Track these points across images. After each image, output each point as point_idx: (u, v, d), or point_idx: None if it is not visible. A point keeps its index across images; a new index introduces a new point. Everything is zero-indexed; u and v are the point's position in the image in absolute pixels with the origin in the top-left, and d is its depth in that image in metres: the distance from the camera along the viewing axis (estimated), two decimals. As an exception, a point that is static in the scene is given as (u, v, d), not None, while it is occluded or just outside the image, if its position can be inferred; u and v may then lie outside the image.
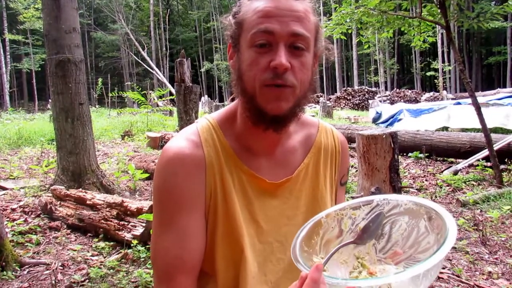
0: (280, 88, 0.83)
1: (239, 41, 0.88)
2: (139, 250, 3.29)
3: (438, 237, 0.72)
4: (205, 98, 22.68)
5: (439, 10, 5.48)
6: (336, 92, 33.84)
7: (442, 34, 27.32)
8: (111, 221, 3.69)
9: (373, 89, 26.98)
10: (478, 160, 6.11)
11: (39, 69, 35.48)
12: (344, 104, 24.55)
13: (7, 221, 3.99)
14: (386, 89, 34.90)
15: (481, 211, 4.31)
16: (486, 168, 5.95)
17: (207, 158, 0.91)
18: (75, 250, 3.48)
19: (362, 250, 0.82)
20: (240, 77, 0.88)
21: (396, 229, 0.81)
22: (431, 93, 22.44)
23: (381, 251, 0.82)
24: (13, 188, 5.34)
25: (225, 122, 0.97)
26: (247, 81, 0.86)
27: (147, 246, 3.34)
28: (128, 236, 3.46)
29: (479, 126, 5.52)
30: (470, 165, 6.18)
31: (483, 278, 2.90)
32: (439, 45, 31.13)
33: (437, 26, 6.71)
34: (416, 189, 5.38)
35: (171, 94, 14.41)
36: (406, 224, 0.80)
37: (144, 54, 27.82)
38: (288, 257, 0.96)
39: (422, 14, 5.84)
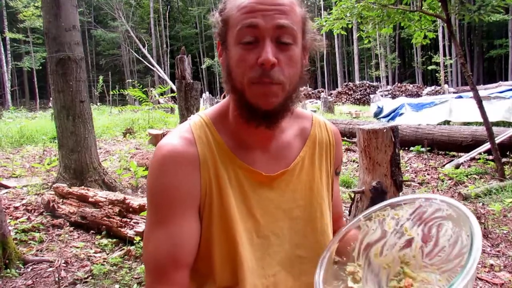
0: (268, 85, 0.82)
1: (226, 38, 0.88)
2: (142, 247, 3.30)
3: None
4: (206, 94, 22.65)
5: (439, 4, 5.46)
6: (337, 87, 33.79)
7: (443, 27, 27.21)
8: (113, 218, 3.70)
9: (375, 83, 26.94)
10: (480, 153, 6.10)
11: (40, 67, 35.48)
12: (345, 99, 24.53)
13: (10, 219, 4.00)
14: (387, 83, 34.84)
15: (483, 204, 4.31)
16: (488, 162, 5.94)
17: (200, 155, 0.91)
18: (78, 248, 3.49)
19: (408, 253, 0.78)
20: (229, 74, 0.88)
21: (442, 233, 0.77)
22: (433, 87, 22.39)
23: (427, 256, 0.77)
24: (15, 187, 5.36)
25: (218, 118, 0.97)
26: (235, 78, 0.86)
27: (150, 242, 3.35)
28: (130, 233, 3.47)
29: (481, 119, 5.51)
30: (472, 159, 6.18)
31: (485, 271, 2.90)
32: (440, 38, 31.01)
33: (438, 20, 6.68)
34: (418, 183, 5.38)
35: (172, 91, 14.41)
36: (451, 230, 0.75)
37: (145, 52, 27.78)
38: (285, 249, 0.97)
39: (423, 7, 5.81)
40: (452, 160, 6.20)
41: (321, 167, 1.04)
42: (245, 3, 0.82)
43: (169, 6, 48.79)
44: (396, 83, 28.83)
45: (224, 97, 1.01)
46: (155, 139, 8.95)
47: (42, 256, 3.31)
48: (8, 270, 2.99)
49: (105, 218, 3.75)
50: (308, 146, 1.02)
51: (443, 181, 5.36)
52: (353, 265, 0.78)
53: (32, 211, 4.35)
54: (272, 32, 0.81)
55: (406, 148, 7.34)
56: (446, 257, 0.73)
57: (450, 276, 0.70)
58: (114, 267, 3.09)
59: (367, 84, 25.39)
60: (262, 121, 0.87)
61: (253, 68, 0.82)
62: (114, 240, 3.60)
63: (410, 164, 6.46)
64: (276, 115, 0.87)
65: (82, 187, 4.53)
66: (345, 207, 3.84)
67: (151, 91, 14.23)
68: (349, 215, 3.21)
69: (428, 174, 5.79)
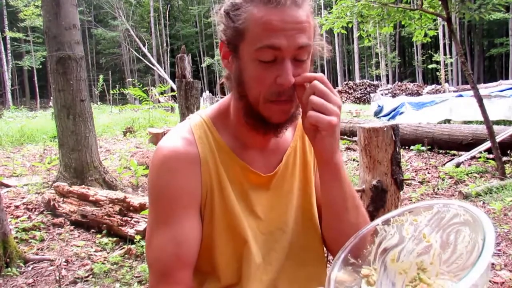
0: (284, 103, 0.85)
1: (238, 47, 0.85)
2: (142, 246, 3.30)
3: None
4: (206, 93, 22.66)
5: (440, 2, 5.45)
6: (337, 86, 33.76)
7: (443, 26, 27.18)
8: (114, 217, 3.70)
9: (375, 82, 26.94)
10: (481, 152, 6.09)
11: (40, 66, 35.50)
12: (345, 98, 24.49)
13: (11, 218, 4.00)
14: (387, 82, 34.78)
15: (483, 203, 4.30)
16: (489, 160, 5.93)
17: (201, 155, 0.92)
18: (78, 246, 3.49)
19: (426, 260, 0.77)
20: (240, 84, 0.87)
21: (460, 240, 0.74)
22: (433, 86, 22.38)
23: (445, 263, 0.75)
24: (16, 186, 5.36)
25: (218, 117, 0.98)
26: (249, 92, 0.86)
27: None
28: (131, 231, 3.48)
29: (481, 118, 5.50)
30: (473, 157, 6.17)
31: (485, 270, 2.90)
32: (440, 37, 30.98)
33: (438, 18, 6.67)
34: (419, 182, 5.37)
35: (172, 90, 14.41)
36: (468, 236, 0.73)
37: (145, 50, 27.79)
38: (289, 242, 0.97)
39: (423, 6, 5.81)
40: (453, 159, 6.19)
41: (311, 153, 1.04)
42: (266, 19, 0.79)
43: (169, 5, 48.74)
44: (397, 82, 28.81)
45: (221, 90, 1.01)
46: (156, 138, 8.95)
47: (43, 255, 3.32)
48: (9, 269, 2.99)
49: (105, 217, 3.75)
50: (297, 135, 1.04)
51: (443, 179, 5.36)
52: (369, 268, 0.77)
53: (33, 210, 4.35)
54: (292, 52, 0.81)
55: (407, 147, 7.33)
56: (463, 264, 0.72)
57: None
58: (115, 265, 3.09)
59: (367, 83, 25.37)
60: (272, 130, 0.89)
61: (271, 87, 0.83)
62: (115, 239, 3.61)
63: (410, 163, 6.45)
64: (286, 124, 0.90)
65: (83, 186, 4.53)
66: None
67: (151, 90, 14.24)
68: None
69: (428, 173, 5.79)
